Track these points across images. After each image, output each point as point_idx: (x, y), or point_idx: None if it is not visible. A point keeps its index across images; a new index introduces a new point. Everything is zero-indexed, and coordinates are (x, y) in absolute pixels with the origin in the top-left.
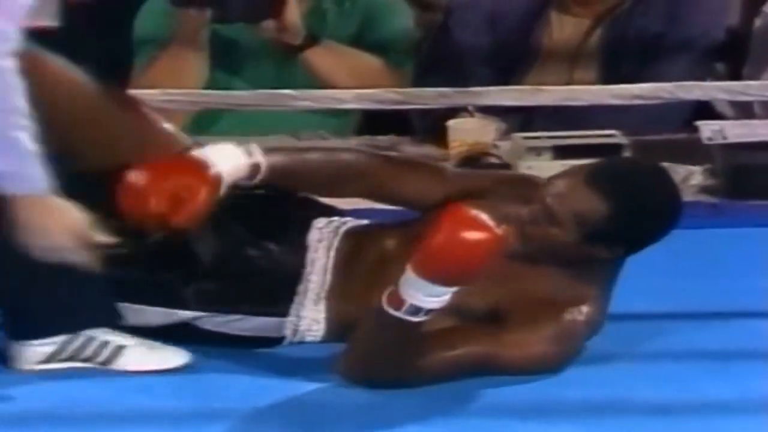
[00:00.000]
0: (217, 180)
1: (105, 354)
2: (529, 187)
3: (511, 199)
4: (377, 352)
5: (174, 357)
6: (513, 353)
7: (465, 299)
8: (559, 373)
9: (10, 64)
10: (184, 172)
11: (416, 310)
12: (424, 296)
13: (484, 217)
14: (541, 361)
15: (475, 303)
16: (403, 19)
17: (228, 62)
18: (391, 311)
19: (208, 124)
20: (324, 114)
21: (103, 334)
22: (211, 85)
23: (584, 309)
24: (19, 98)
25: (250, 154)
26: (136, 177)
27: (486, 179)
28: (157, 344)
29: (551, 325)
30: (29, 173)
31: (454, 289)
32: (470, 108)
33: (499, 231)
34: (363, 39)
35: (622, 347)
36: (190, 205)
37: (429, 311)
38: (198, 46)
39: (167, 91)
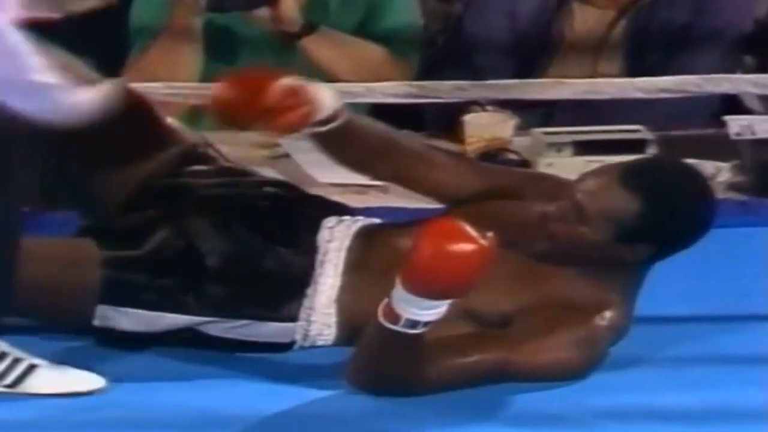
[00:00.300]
0: (316, 105)
1: (13, 375)
2: (557, 186)
3: (538, 198)
4: (381, 362)
5: (88, 381)
6: (531, 359)
7: (480, 302)
8: (581, 379)
9: None
10: (294, 85)
11: (414, 324)
12: (418, 310)
13: (467, 228)
14: (561, 367)
15: (491, 306)
16: (407, 9)
17: (224, 52)
18: (389, 325)
19: (202, 116)
20: None
21: (12, 352)
22: (206, 75)
23: (608, 314)
24: (21, 49)
25: (337, 100)
26: (252, 72)
27: (515, 177)
28: (69, 368)
29: (573, 330)
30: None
31: (448, 301)
32: (482, 102)
33: (484, 242)
34: (366, 29)
35: (648, 351)
36: (293, 114)
37: (427, 323)
38: (192, 35)
39: (170, 84)
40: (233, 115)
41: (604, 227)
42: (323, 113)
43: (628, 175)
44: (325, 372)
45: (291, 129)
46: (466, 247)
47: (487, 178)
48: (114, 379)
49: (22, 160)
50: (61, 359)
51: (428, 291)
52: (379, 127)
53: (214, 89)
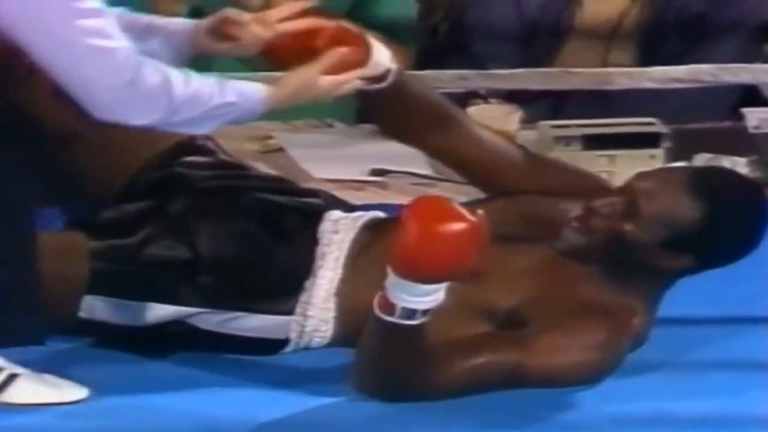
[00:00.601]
0: (369, 56)
1: None
2: (597, 183)
3: (578, 194)
4: (382, 360)
5: (70, 391)
6: (545, 361)
7: (496, 298)
8: (594, 385)
9: (115, 42)
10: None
11: (410, 313)
12: (413, 297)
13: (455, 206)
14: (575, 371)
15: (507, 301)
16: None
17: None
18: (385, 317)
19: None
20: None
21: None
22: (192, 61)
23: (630, 321)
24: (155, 73)
25: (391, 59)
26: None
27: (562, 169)
28: (52, 377)
29: (591, 333)
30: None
31: (443, 285)
32: (485, 94)
33: (474, 219)
34: (357, 16)
35: (662, 355)
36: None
37: (425, 311)
38: None
39: None
40: (282, 57)
41: (653, 230)
42: (375, 70)
43: (695, 181)
44: (324, 376)
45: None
46: (454, 224)
47: (536, 168)
48: (100, 384)
49: (27, 157)
50: (44, 367)
51: (419, 274)
52: (433, 95)
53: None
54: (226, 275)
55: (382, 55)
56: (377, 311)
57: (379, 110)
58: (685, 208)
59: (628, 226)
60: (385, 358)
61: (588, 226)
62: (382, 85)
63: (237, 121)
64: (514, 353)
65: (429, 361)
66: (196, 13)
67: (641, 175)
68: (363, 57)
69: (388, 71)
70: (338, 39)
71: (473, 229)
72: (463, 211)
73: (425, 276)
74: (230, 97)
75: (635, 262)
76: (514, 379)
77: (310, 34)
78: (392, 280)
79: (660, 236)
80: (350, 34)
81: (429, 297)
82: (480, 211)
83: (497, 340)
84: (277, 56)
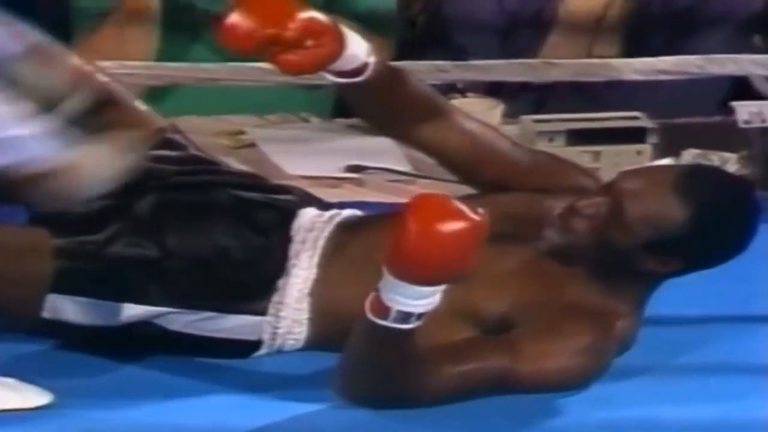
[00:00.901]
0: (339, 49)
1: None
2: (579, 177)
3: (566, 190)
4: (373, 367)
5: (33, 396)
6: (534, 366)
7: (481, 301)
8: (581, 390)
9: None
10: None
11: (405, 317)
12: (409, 300)
13: (456, 203)
14: (564, 376)
15: (493, 305)
16: None
17: (186, 25)
18: (378, 321)
19: (160, 99)
20: (296, 90)
21: None
22: (167, 50)
23: (616, 324)
24: None
25: (369, 52)
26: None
27: (554, 164)
28: (13, 381)
29: (579, 338)
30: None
31: (441, 287)
32: (459, 86)
33: (476, 217)
34: (337, 6)
35: (651, 358)
36: (309, 52)
37: (421, 315)
38: (148, 13)
39: (125, 63)
40: (242, 42)
41: (638, 233)
42: (351, 63)
43: (682, 181)
44: (305, 382)
45: (301, 68)
46: (456, 223)
47: (528, 163)
48: (65, 389)
49: None
50: (5, 371)
51: (418, 275)
52: (421, 87)
53: (228, 11)
54: (196, 274)
55: (358, 48)
56: (369, 314)
57: (359, 104)
58: (672, 210)
59: (611, 228)
60: (374, 363)
61: (568, 225)
62: (358, 79)
63: (33, 160)
64: (503, 359)
65: (419, 367)
66: (172, 1)
67: (627, 174)
68: (335, 49)
69: (365, 65)
70: (309, 30)
71: (475, 227)
72: (465, 208)
73: (424, 277)
74: (29, 130)
75: (620, 264)
76: (503, 385)
77: (278, 23)
78: (388, 281)
79: (645, 238)
80: (322, 25)
81: (427, 300)
82: (481, 209)
83: (485, 345)
84: (236, 42)
